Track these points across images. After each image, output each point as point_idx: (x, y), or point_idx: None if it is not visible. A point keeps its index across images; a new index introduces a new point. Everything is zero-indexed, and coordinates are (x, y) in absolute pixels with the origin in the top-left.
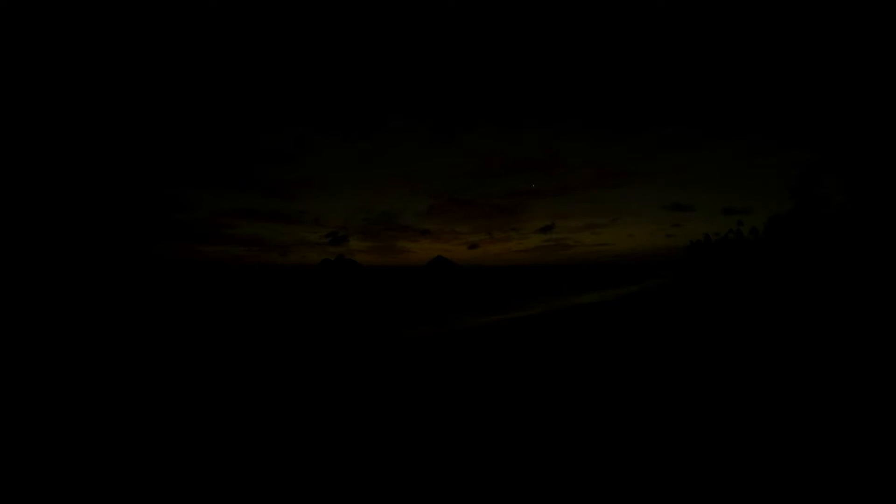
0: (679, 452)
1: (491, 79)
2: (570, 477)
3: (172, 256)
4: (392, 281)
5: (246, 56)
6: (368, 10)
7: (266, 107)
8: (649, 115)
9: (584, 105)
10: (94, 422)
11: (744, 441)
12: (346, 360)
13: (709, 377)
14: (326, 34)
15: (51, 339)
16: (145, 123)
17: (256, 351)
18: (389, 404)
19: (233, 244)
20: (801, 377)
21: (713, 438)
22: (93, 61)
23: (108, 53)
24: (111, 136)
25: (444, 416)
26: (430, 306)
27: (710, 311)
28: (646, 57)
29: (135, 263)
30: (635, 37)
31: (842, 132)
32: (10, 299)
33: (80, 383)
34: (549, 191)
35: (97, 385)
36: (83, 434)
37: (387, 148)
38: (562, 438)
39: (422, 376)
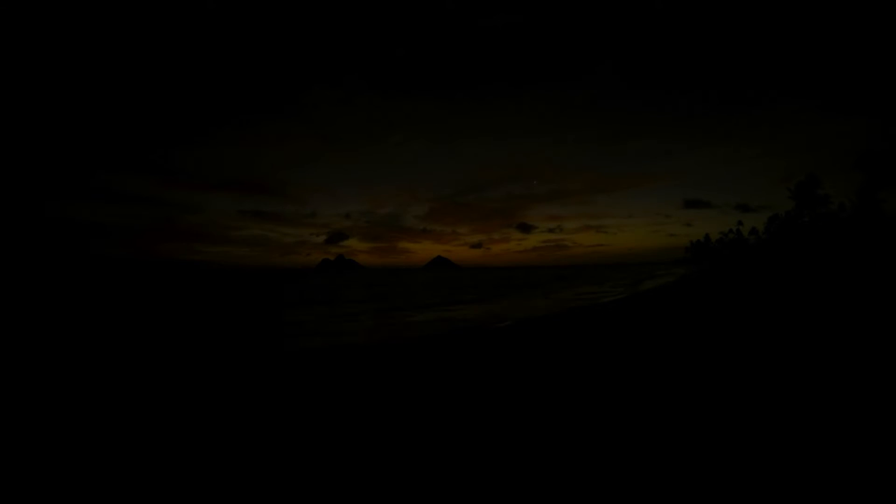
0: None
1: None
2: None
3: (180, 258)
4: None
5: (250, 58)
6: (368, 13)
7: (270, 110)
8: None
9: (583, 111)
10: (92, 422)
11: (752, 441)
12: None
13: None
14: (333, 40)
15: (51, 341)
16: (150, 126)
17: (253, 352)
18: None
19: (238, 245)
20: (804, 379)
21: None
22: (99, 61)
23: (115, 54)
24: (114, 136)
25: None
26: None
27: (712, 312)
28: (647, 58)
29: (141, 266)
30: (636, 37)
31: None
32: (13, 301)
33: (79, 385)
34: (548, 194)
35: (95, 386)
36: (79, 433)
37: (389, 155)
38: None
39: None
